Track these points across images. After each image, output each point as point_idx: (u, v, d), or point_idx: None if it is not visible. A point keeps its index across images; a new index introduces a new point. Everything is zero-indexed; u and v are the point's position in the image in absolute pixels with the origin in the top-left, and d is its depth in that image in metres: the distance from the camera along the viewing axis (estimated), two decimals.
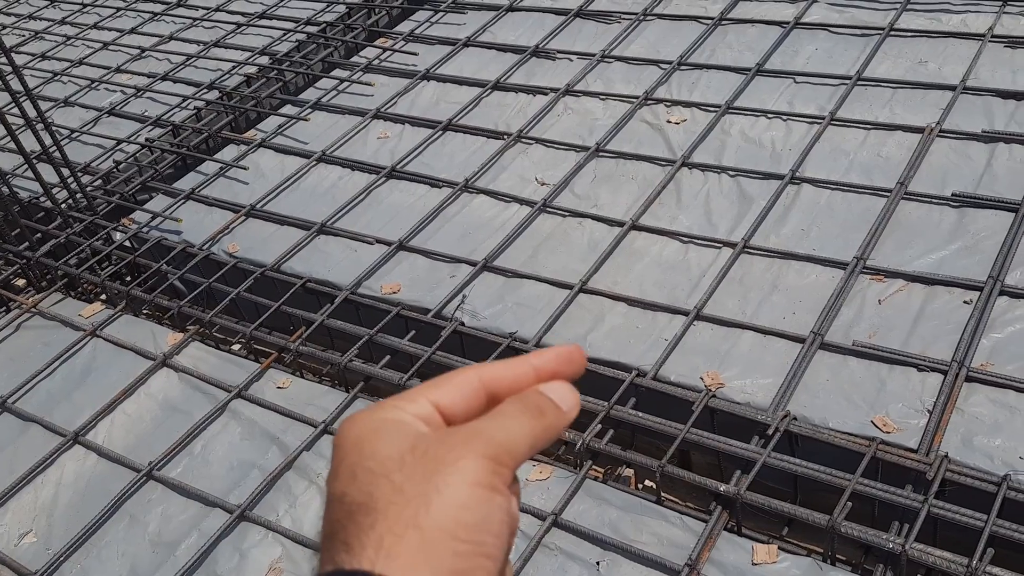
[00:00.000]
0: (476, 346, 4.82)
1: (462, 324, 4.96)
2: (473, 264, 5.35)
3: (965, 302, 4.47)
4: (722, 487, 3.83)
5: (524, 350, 4.71)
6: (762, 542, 3.77)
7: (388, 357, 4.87)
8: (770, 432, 3.97)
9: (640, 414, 4.24)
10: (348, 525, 0.63)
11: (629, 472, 4.52)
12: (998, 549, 3.40)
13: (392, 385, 4.69)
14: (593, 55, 7.12)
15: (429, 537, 0.61)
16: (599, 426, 4.21)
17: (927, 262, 4.75)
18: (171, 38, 8.90)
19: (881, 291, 4.66)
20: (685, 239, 5.28)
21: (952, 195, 5.08)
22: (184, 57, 8.44)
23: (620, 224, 5.45)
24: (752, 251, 5.08)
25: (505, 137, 6.44)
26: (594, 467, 4.49)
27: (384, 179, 6.31)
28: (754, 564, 3.62)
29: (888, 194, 5.18)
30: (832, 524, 3.55)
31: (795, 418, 4.07)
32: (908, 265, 4.75)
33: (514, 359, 0.75)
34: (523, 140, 6.41)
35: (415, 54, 7.73)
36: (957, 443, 3.86)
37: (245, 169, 6.68)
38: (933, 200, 5.11)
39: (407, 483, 0.63)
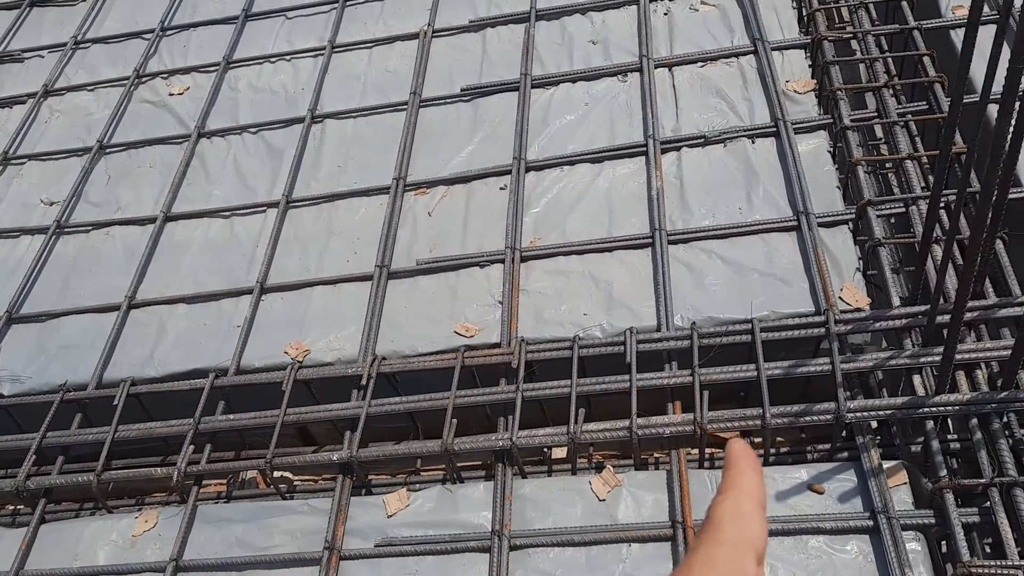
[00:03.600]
0: (25, 413, 4.12)
1: (1, 396, 4.20)
2: None
3: (501, 189, 4.64)
4: (335, 455, 3.67)
5: (82, 400, 4.10)
6: (391, 488, 3.70)
7: None
8: (363, 382, 3.85)
9: (231, 417, 3.91)
10: None
11: (253, 473, 4.20)
12: (589, 407, 3.62)
13: None
14: (64, 45, 6.28)
15: None
16: (191, 447, 3.81)
17: (459, 161, 4.85)
18: None
19: (427, 203, 4.69)
20: (227, 213, 4.91)
21: (462, 90, 5.21)
22: None
23: (152, 220, 4.93)
24: (297, 204, 4.85)
25: None
26: (217, 483, 4.12)
27: None
28: (390, 516, 3.53)
29: (406, 107, 5.19)
30: (445, 447, 3.55)
31: (384, 358, 3.98)
32: (443, 170, 4.82)
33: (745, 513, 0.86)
34: (12, 162, 5.52)
35: None
36: (531, 322, 4.02)
37: None
38: (447, 100, 5.21)
39: None
